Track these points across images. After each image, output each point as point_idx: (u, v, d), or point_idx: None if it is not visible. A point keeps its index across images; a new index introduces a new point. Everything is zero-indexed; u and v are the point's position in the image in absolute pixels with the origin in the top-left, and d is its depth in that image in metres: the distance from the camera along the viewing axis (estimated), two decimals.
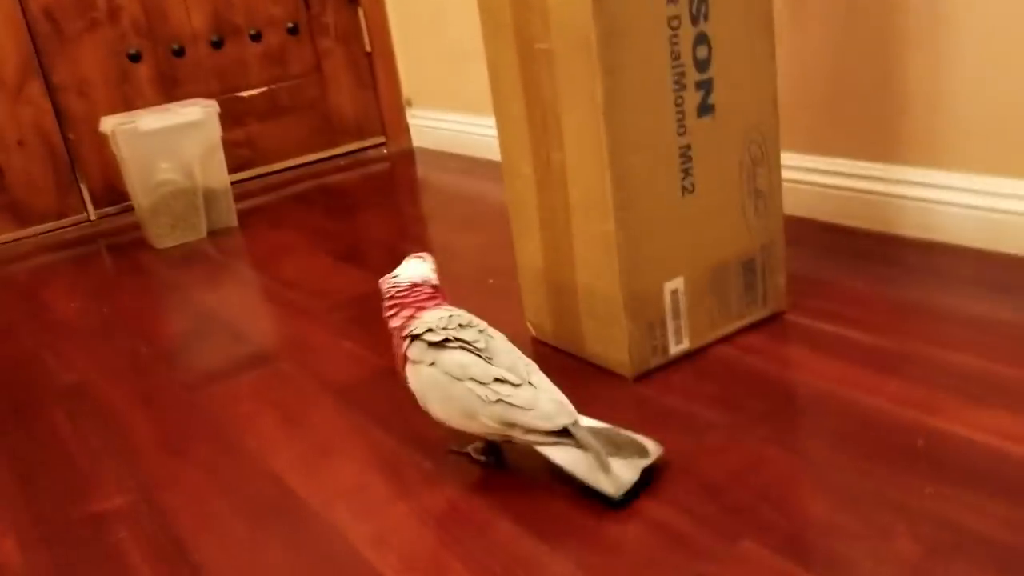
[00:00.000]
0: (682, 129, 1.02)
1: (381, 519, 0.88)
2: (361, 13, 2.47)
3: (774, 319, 1.18)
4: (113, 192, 2.19)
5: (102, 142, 2.01)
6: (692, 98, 1.02)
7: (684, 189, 1.05)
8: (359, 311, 1.43)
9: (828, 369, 1.04)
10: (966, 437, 0.87)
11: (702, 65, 1.02)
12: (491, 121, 2.22)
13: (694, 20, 0.99)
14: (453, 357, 0.90)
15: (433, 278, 0.99)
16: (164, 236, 1.93)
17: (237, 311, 1.52)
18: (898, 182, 1.38)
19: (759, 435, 0.93)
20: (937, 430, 0.89)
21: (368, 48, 2.51)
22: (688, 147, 1.04)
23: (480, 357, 0.90)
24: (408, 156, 2.53)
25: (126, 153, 1.87)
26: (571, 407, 0.89)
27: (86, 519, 0.96)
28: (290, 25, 2.38)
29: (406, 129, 2.60)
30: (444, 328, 0.92)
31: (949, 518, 0.76)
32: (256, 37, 2.33)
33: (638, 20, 0.96)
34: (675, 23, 0.98)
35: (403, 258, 1.03)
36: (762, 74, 1.08)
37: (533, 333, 1.24)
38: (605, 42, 0.94)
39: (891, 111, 1.37)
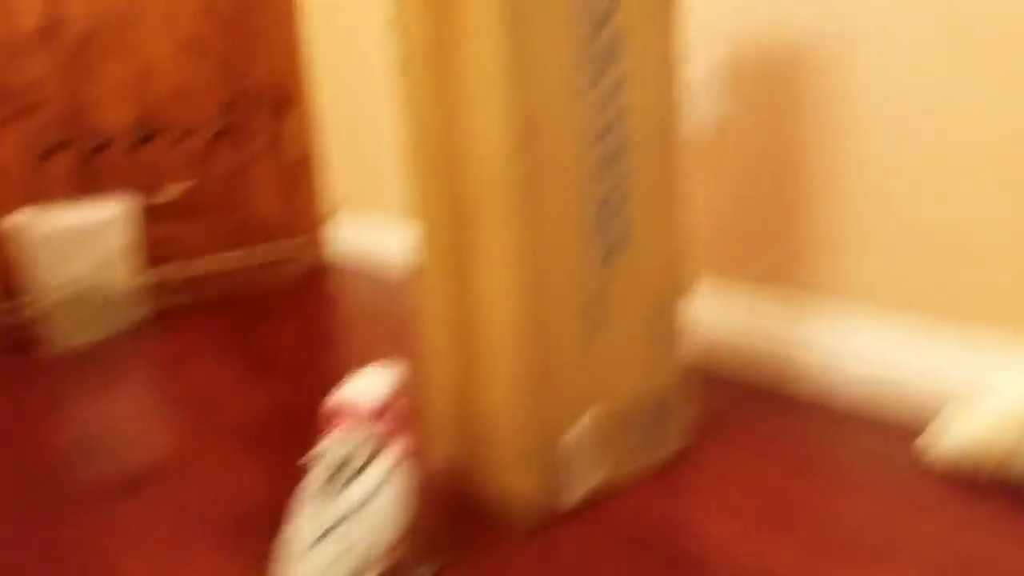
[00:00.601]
0: (593, 274, 1.03)
1: None
2: (291, 120, 2.48)
3: (676, 463, 1.17)
4: (13, 286, 2.12)
5: (7, 236, 1.95)
6: (604, 244, 1.03)
7: (593, 330, 1.05)
8: (258, 435, 1.38)
9: (722, 527, 1.03)
10: None
11: (616, 210, 1.03)
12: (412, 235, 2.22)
13: (609, 173, 1.01)
14: None
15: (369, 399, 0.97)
16: (66, 336, 1.86)
17: (129, 424, 1.45)
18: (798, 326, 1.41)
19: None
20: None
21: (295, 154, 2.50)
22: (599, 291, 1.04)
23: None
24: (329, 262, 2.51)
25: (34, 251, 1.81)
26: None
27: None
28: (217, 129, 2.37)
29: (330, 237, 2.59)
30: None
31: None
32: (180, 138, 2.31)
33: (555, 170, 0.97)
34: (591, 171, 1.00)
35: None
36: (672, 222, 1.10)
37: (437, 464, 1.21)
38: (522, 192, 0.95)
39: (796, 249, 1.40)
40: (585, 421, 1.07)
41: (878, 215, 1.30)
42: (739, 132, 1.44)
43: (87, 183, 2.19)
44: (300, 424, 1.40)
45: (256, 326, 1.95)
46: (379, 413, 0.96)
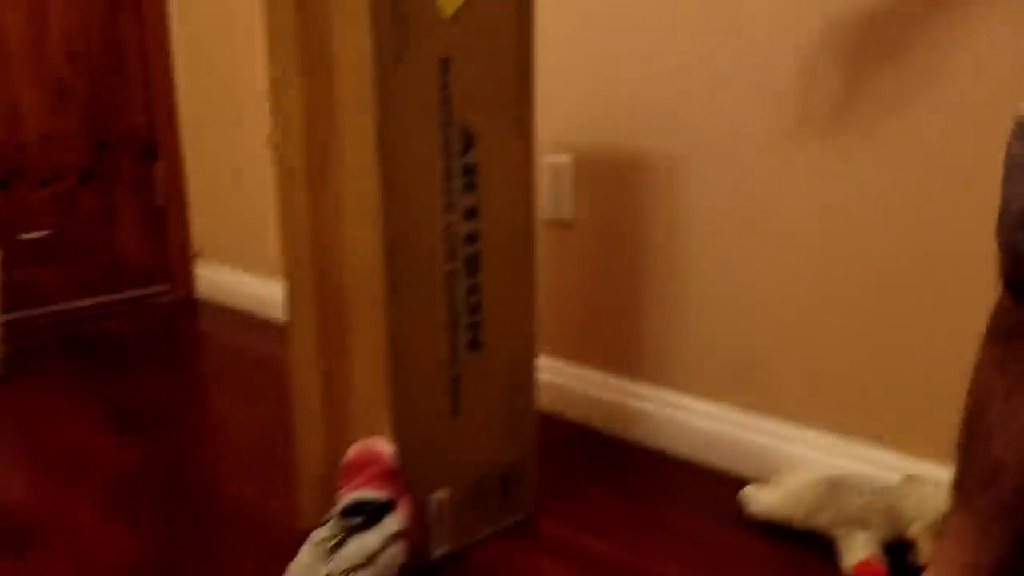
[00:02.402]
0: (454, 361, 1.17)
1: None
2: (158, 167, 2.52)
3: (525, 522, 1.33)
4: None
5: None
6: (464, 336, 1.18)
7: (453, 411, 1.19)
8: (131, 490, 1.44)
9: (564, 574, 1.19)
10: None
11: (473, 309, 1.18)
12: (278, 284, 2.30)
13: (469, 274, 1.16)
14: None
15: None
16: None
17: None
18: (636, 396, 1.60)
19: None
20: None
21: (161, 200, 2.54)
22: (458, 377, 1.19)
23: None
24: (192, 307, 2.55)
25: None
26: None
27: None
28: (83, 173, 2.38)
29: (193, 280, 2.63)
30: None
31: None
32: (46, 182, 2.32)
33: (421, 272, 1.11)
34: (452, 276, 1.14)
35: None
36: (523, 316, 1.26)
37: (304, 527, 1.31)
38: (391, 288, 1.09)
39: (632, 335, 1.59)
40: (445, 491, 1.21)
41: (702, 317, 1.49)
42: (584, 232, 1.62)
43: None
44: (168, 476, 1.47)
45: (120, 372, 1.99)
46: (393, 471, 1.06)
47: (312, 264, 1.18)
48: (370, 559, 1.01)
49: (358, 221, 1.10)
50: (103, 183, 2.43)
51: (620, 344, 1.62)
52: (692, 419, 1.52)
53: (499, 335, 1.23)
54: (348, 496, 1.06)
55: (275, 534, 1.27)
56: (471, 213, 1.16)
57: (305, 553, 1.02)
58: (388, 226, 1.07)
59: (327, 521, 1.05)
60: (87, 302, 2.46)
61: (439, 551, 1.22)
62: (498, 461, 1.27)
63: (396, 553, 1.04)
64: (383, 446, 1.09)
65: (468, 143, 1.14)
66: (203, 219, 2.60)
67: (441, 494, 1.21)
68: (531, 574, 1.20)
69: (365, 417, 1.16)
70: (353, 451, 1.09)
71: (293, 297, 1.23)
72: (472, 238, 1.16)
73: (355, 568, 1.00)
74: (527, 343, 1.28)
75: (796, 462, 1.39)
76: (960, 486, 0.91)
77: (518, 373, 1.27)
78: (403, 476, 1.10)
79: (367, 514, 1.03)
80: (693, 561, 1.22)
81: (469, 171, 1.14)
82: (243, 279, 2.49)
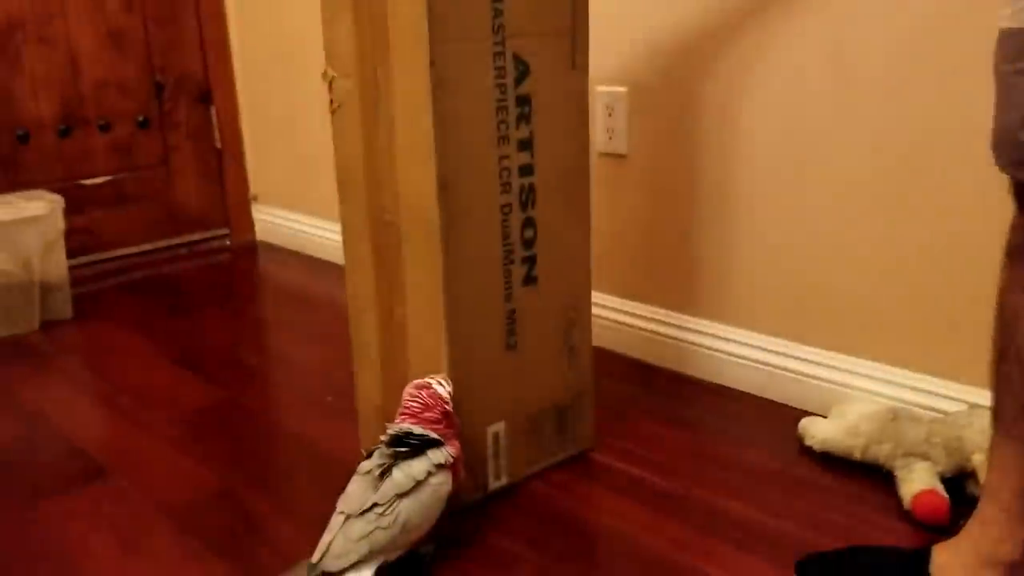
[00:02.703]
0: (509, 296, 1.18)
1: None
2: (214, 111, 2.54)
3: (582, 456, 1.34)
4: None
5: None
6: (519, 271, 1.18)
7: (508, 346, 1.20)
8: (196, 424, 1.49)
9: (621, 509, 1.20)
10: None
11: (528, 244, 1.18)
12: (334, 226, 2.33)
13: (523, 207, 1.16)
14: None
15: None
16: None
17: (70, 417, 1.54)
18: (691, 331, 1.59)
19: (562, 572, 1.07)
20: (706, 575, 1.06)
21: (218, 144, 2.57)
22: (514, 311, 1.19)
23: None
24: (251, 250, 2.59)
25: None
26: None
27: None
28: (140, 119, 2.42)
29: (251, 224, 2.67)
30: None
31: None
32: (105, 128, 2.36)
33: (475, 207, 1.11)
34: (507, 209, 1.14)
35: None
36: (579, 251, 1.25)
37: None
38: (446, 225, 1.09)
39: (688, 269, 1.58)
40: (501, 425, 1.22)
41: (758, 251, 1.47)
42: (638, 166, 1.60)
43: (11, 174, 2.23)
44: (232, 413, 1.51)
45: (182, 315, 2.04)
46: (446, 414, 1.08)
47: (367, 201, 1.19)
48: (416, 486, 1.02)
49: (411, 156, 1.10)
50: (160, 128, 2.46)
51: (675, 279, 1.61)
52: (748, 353, 1.51)
53: (554, 269, 1.23)
54: (394, 427, 1.07)
55: (336, 468, 1.30)
56: (525, 145, 1.15)
57: (354, 483, 1.05)
58: (441, 160, 1.07)
59: (373, 452, 1.07)
60: (147, 247, 2.51)
61: (496, 484, 1.24)
62: (554, 395, 1.28)
63: (443, 482, 1.05)
64: (439, 386, 1.10)
65: (522, 73, 1.12)
66: (259, 163, 2.63)
67: (497, 427, 1.22)
68: (588, 506, 1.21)
69: (422, 353, 1.18)
70: (409, 394, 1.10)
71: (349, 235, 1.24)
72: (526, 170, 1.16)
73: (401, 495, 1.01)
74: (582, 277, 1.27)
75: (854, 394, 1.38)
76: (998, 414, 0.89)
77: (574, 307, 1.27)
78: (456, 419, 1.11)
79: (412, 446, 1.05)
80: (751, 493, 1.22)
81: (523, 102, 1.13)
82: (300, 222, 2.51)
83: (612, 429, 1.41)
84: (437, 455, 1.05)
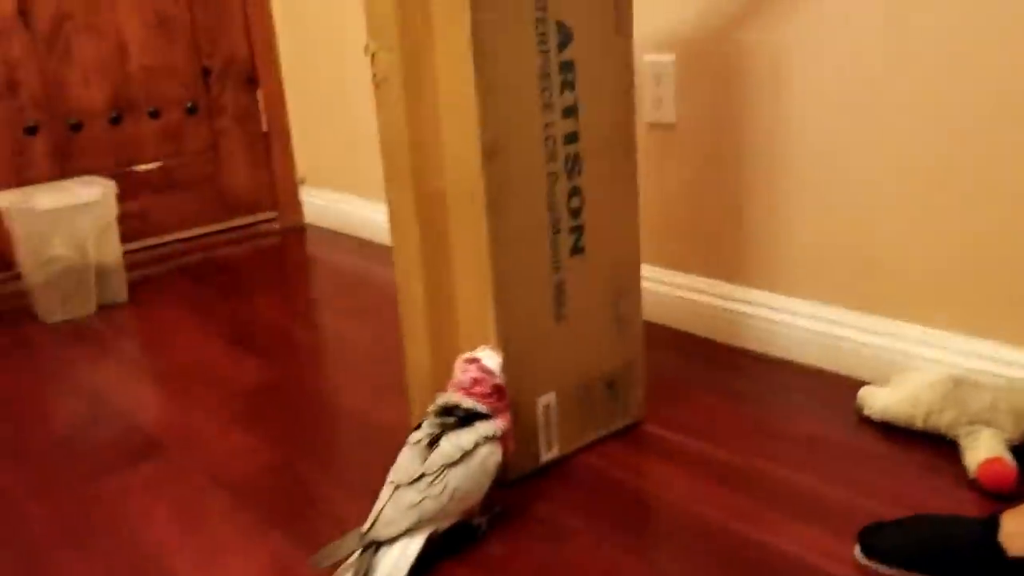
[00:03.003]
0: (557, 266, 1.16)
1: None
2: (260, 95, 2.56)
3: (634, 428, 1.32)
4: (0, 261, 2.20)
5: None
6: (566, 240, 1.16)
7: (557, 317, 1.19)
8: (250, 401, 1.50)
9: (675, 480, 1.18)
10: (789, 552, 1.02)
11: (575, 213, 1.16)
12: (381, 206, 2.33)
13: (569, 176, 1.14)
14: None
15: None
16: (54, 311, 1.96)
17: (128, 396, 1.56)
18: (744, 302, 1.56)
19: (615, 544, 1.06)
20: (764, 544, 1.04)
21: (265, 127, 2.59)
22: (562, 281, 1.18)
23: None
24: (300, 233, 2.61)
25: (20, 231, 1.90)
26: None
27: None
28: (189, 104, 2.44)
29: (299, 206, 2.69)
30: None
31: None
32: (154, 114, 2.39)
33: (521, 175, 1.10)
34: (553, 178, 1.13)
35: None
36: (627, 220, 1.23)
37: None
38: (492, 193, 1.08)
39: (740, 239, 1.55)
40: (551, 396, 1.21)
41: (811, 218, 1.44)
42: (686, 135, 1.57)
43: (65, 162, 2.27)
44: (285, 390, 1.52)
45: (234, 296, 2.06)
46: (497, 388, 1.08)
47: (412, 173, 1.18)
48: (464, 457, 1.02)
49: (455, 125, 1.09)
50: (208, 114, 2.49)
51: (726, 249, 1.58)
52: (803, 323, 1.48)
53: (602, 238, 1.21)
54: (443, 397, 1.07)
55: (388, 440, 1.30)
56: (570, 112, 1.13)
57: (404, 453, 1.05)
58: (485, 128, 1.06)
59: (422, 423, 1.06)
60: (198, 231, 2.54)
61: (547, 456, 1.23)
62: (604, 366, 1.27)
63: (491, 453, 1.04)
64: (489, 359, 1.09)
65: (565, 39, 1.11)
66: (305, 145, 2.64)
67: (547, 398, 1.21)
68: (641, 477, 1.20)
69: (470, 325, 1.17)
70: (459, 368, 1.09)
71: (395, 207, 1.24)
72: (571, 138, 1.14)
73: (450, 465, 1.01)
74: (631, 246, 1.25)
75: (915, 364, 1.34)
76: None
77: (623, 277, 1.25)
78: (507, 392, 1.10)
79: (460, 417, 1.04)
80: (809, 464, 1.20)
81: (567, 68, 1.12)
82: (348, 203, 2.52)
83: (664, 401, 1.39)
84: (486, 427, 1.04)
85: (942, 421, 1.19)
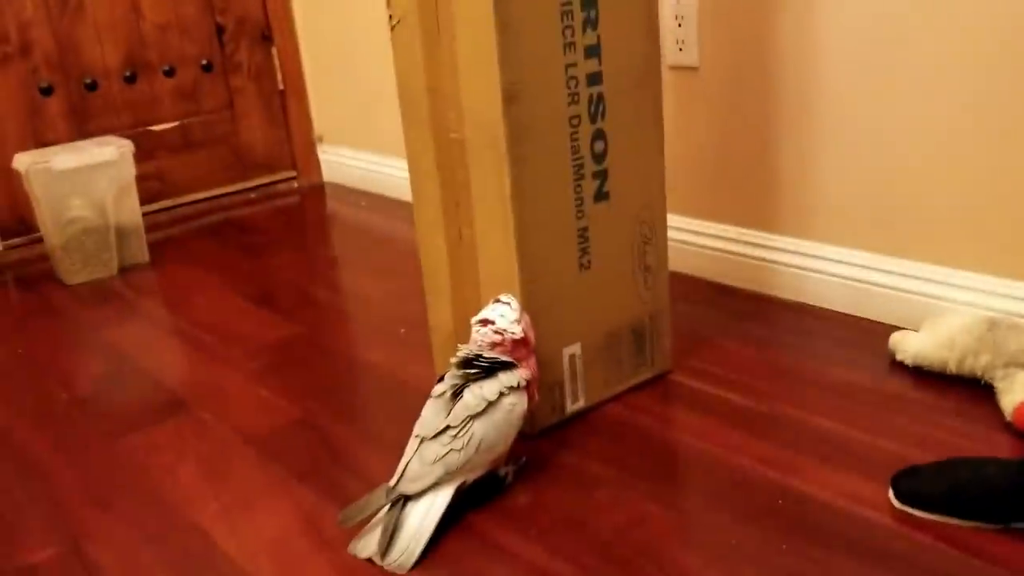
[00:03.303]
0: (580, 213, 1.14)
1: (302, 573, 0.96)
2: (275, 52, 2.53)
3: (660, 378, 1.30)
4: (21, 224, 2.19)
5: (11, 174, 2.02)
6: (589, 186, 1.14)
7: (582, 265, 1.17)
8: (273, 358, 1.49)
9: (704, 429, 1.16)
10: (820, 498, 1.00)
11: (599, 158, 1.13)
12: (401, 163, 2.31)
13: (592, 119, 1.11)
14: None
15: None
16: (75, 273, 1.96)
17: (152, 355, 1.56)
18: (772, 248, 1.53)
19: (642, 492, 1.04)
20: (796, 491, 1.02)
21: (281, 85, 2.56)
22: (586, 229, 1.15)
23: None
24: (318, 191, 2.59)
25: (39, 191, 1.89)
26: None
27: (15, 572, 1.01)
28: (204, 62, 2.41)
29: (317, 165, 2.67)
30: None
31: (800, 573, 0.89)
32: (169, 73, 2.36)
33: (543, 119, 1.07)
34: (575, 121, 1.10)
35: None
36: (651, 165, 1.20)
37: None
38: (513, 139, 1.05)
39: (767, 185, 1.52)
40: (576, 347, 1.19)
41: (841, 162, 1.40)
42: (711, 78, 1.53)
43: (82, 123, 2.25)
44: (308, 348, 1.51)
45: (255, 255, 2.05)
46: (511, 343, 1.05)
47: (431, 119, 1.15)
48: (488, 407, 1.01)
49: (474, 68, 1.06)
50: (224, 72, 2.46)
51: (753, 196, 1.55)
52: (833, 268, 1.45)
53: (627, 184, 1.18)
54: (465, 348, 1.05)
55: (412, 394, 1.30)
56: (592, 51, 1.10)
57: (428, 407, 1.03)
58: (506, 70, 1.03)
59: (445, 375, 1.05)
60: (216, 192, 2.52)
61: (573, 407, 1.22)
62: (630, 316, 1.25)
63: (516, 403, 1.03)
64: (501, 317, 1.05)
65: None
66: (322, 103, 2.61)
67: (573, 349, 1.19)
68: (669, 426, 1.19)
69: (492, 275, 1.15)
70: (475, 330, 1.06)
71: (413, 156, 1.21)
72: (595, 79, 1.11)
73: (474, 416, 1.00)
74: (657, 192, 1.23)
75: (949, 307, 1.31)
76: None
77: (648, 224, 1.23)
78: (531, 336, 1.08)
79: (483, 367, 1.03)
80: (840, 410, 1.18)
81: (588, 5, 1.08)
82: (366, 160, 2.50)
83: (691, 351, 1.37)
84: (509, 377, 1.03)
85: (977, 364, 1.17)
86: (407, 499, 0.99)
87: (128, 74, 2.30)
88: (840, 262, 1.44)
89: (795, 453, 1.09)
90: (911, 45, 1.28)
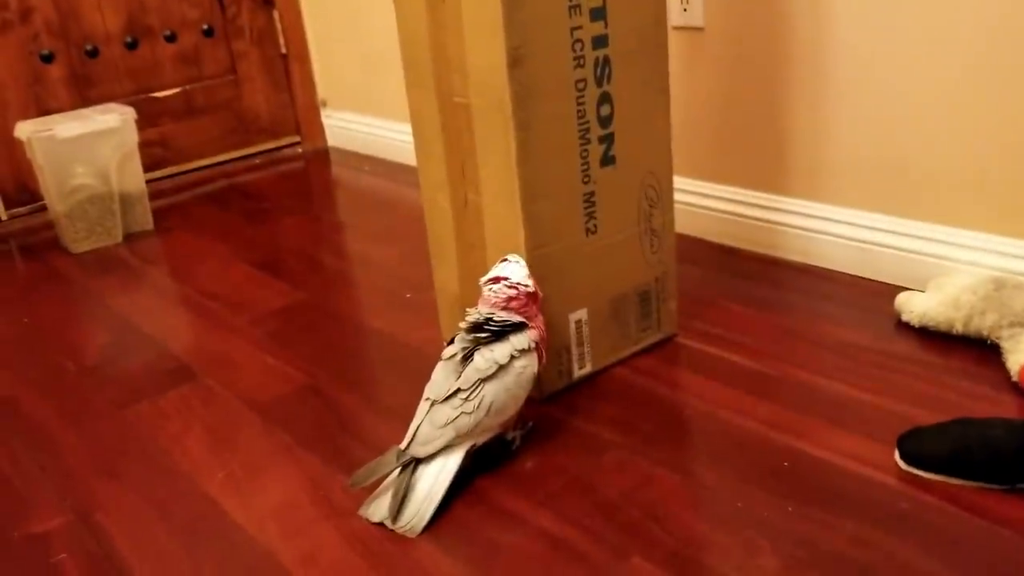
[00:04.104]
0: (587, 178, 1.13)
1: (310, 539, 0.97)
2: (276, 15, 2.50)
3: (667, 342, 1.30)
4: (24, 192, 2.19)
5: (13, 143, 2.01)
6: (596, 150, 1.13)
7: (588, 230, 1.16)
8: (279, 325, 1.50)
9: (710, 391, 1.16)
10: (826, 460, 1.01)
11: (605, 121, 1.12)
12: (405, 127, 2.29)
13: (598, 82, 1.10)
14: None
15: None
16: (80, 241, 1.96)
17: (158, 323, 1.56)
18: (780, 210, 1.52)
19: (650, 455, 1.05)
20: (802, 452, 1.02)
21: (283, 50, 2.54)
22: (592, 193, 1.14)
23: None
24: (323, 156, 2.58)
25: (42, 160, 1.88)
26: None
27: (25, 541, 1.02)
28: (205, 27, 2.39)
29: (321, 129, 2.65)
30: None
31: (806, 535, 0.89)
32: (171, 38, 2.35)
33: (548, 83, 1.06)
34: (581, 85, 1.09)
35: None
36: (658, 128, 1.19)
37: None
38: (518, 102, 1.04)
39: (775, 147, 1.50)
40: (584, 311, 1.19)
41: (848, 123, 1.39)
42: (716, 39, 1.51)
43: (83, 90, 2.24)
44: (315, 314, 1.52)
45: (260, 222, 2.04)
46: (526, 296, 1.05)
47: (435, 83, 1.14)
48: (499, 370, 1.01)
49: (479, 31, 1.04)
50: (225, 36, 2.44)
51: (759, 158, 1.54)
52: (839, 229, 1.44)
53: (634, 148, 1.17)
54: (474, 312, 1.05)
55: (418, 360, 1.30)
56: (598, 14, 1.08)
57: (438, 370, 1.04)
58: (510, 33, 1.01)
59: (454, 339, 1.05)
60: (220, 158, 2.52)
61: (581, 371, 1.22)
62: (636, 280, 1.24)
63: (527, 365, 1.03)
64: (513, 272, 1.06)
65: None
66: (325, 67, 2.59)
67: (579, 314, 1.19)
68: (676, 389, 1.19)
69: (498, 239, 1.14)
70: (487, 288, 1.06)
71: (418, 119, 1.21)
72: (600, 42, 1.09)
73: (484, 380, 1.00)
74: (663, 155, 1.22)
75: (956, 267, 1.31)
76: None
77: (655, 187, 1.22)
78: (538, 300, 1.08)
79: (492, 331, 1.03)
80: (846, 371, 1.17)
81: None
82: (370, 124, 2.48)
83: (698, 314, 1.37)
84: (519, 339, 1.03)
85: (984, 324, 1.16)
86: (418, 462, 0.99)
87: (129, 40, 2.28)
88: (846, 223, 1.44)
89: (801, 415, 1.09)
90: (921, 6, 1.26)
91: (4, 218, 2.20)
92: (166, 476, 1.11)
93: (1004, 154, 1.23)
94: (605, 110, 1.12)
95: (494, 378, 1.00)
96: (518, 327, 1.03)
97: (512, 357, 1.01)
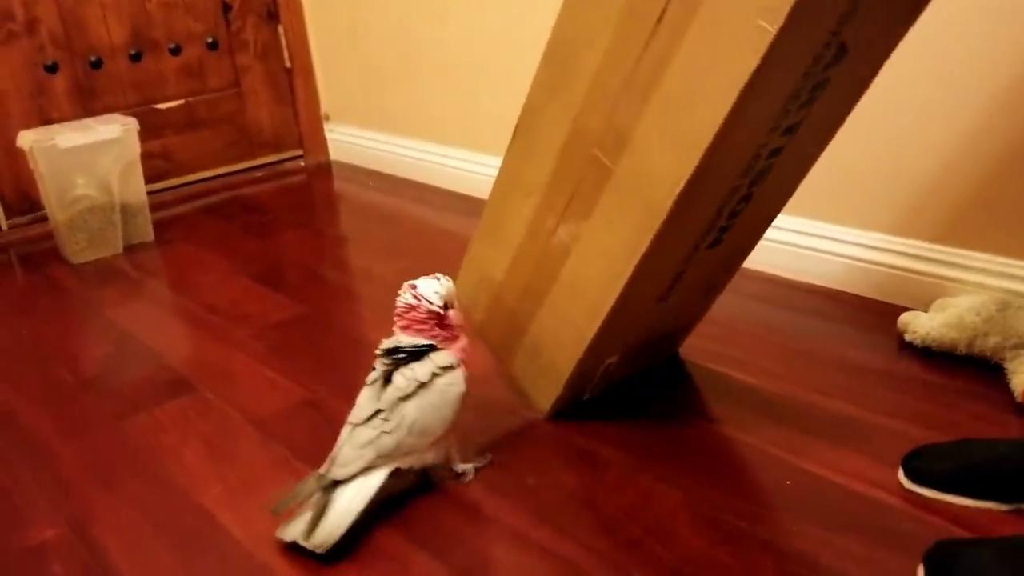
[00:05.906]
0: (688, 260, 1.07)
1: (308, 554, 0.95)
2: (281, 30, 2.51)
3: (673, 359, 1.30)
4: (25, 202, 2.19)
5: (15, 153, 2.01)
6: (710, 237, 1.05)
7: (660, 299, 1.11)
8: (279, 338, 1.49)
9: (713, 409, 1.16)
10: (829, 479, 1.00)
11: (733, 214, 1.04)
12: (407, 142, 2.29)
13: (751, 184, 1.01)
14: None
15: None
16: (80, 251, 1.95)
17: (157, 335, 1.56)
18: (784, 230, 1.52)
19: (652, 473, 1.04)
20: (805, 471, 1.01)
21: (287, 64, 2.55)
22: (683, 272, 1.08)
23: None
24: (325, 170, 2.58)
25: (43, 169, 1.88)
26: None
27: (20, 552, 1.01)
28: (209, 40, 2.40)
29: (324, 143, 2.65)
30: None
31: (808, 554, 0.88)
32: (175, 51, 2.35)
33: (708, 191, 0.95)
34: (735, 189, 0.99)
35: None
36: (773, 213, 1.15)
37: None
38: (676, 208, 0.93)
39: None
40: (615, 357, 1.17)
41: (850, 146, 1.38)
42: None
43: (87, 101, 2.24)
44: (315, 327, 1.51)
45: (261, 235, 2.04)
46: (431, 312, 1.02)
47: (576, 117, 1.02)
48: (419, 388, 0.99)
49: (668, 127, 0.91)
50: (230, 49, 2.44)
51: None
52: (841, 249, 1.44)
53: (742, 233, 1.11)
54: (384, 341, 1.03)
55: None
56: (790, 130, 0.96)
57: (361, 395, 1.02)
58: (710, 153, 0.87)
59: (375, 365, 1.03)
60: (222, 170, 2.52)
61: (589, 393, 1.21)
62: (676, 325, 1.23)
63: (452, 383, 1.01)
64: (427, 287, 1.02)
65: (838, 57, 0.90)
66: (329, 81, 2.60)
67: (611, 360, 1.17)
68: (678, 406, 1.18)
69: (578, 287, 1.07)
70: (401, 291, 1.03)
71: (534, 120, 1.07)
72: (775, 152, 0.97)
73: (404, 398, 0.98)
74: (760, 234, 1.18)
75: (958, 288, 1.30)
76: None
77: (730, 266, 1.19)
78: (456, 317, 1.05)
79: (408, 353, 1.01)
80: (849, 391, 1.17)
81: (820, 86, 0.92)
82: (373, 139, 2.49)
83: (703, 333, 1.36)
84: (441, 357, 1.01)
85: (987, 345, 1.16)
86: (337, 484, 0.97)
87: (133, 52, 2.29)
88: (849, 243, 1.43)
89: (806, 435, 1.08)
90: (930, 24, 1.26)
91: (4, 228, 2.20)
92: (163, 488, 1.10)
93: (1009, 175, 1.23)
94: (740, 207, 1.03)
95: (415, 396, 0.99)
96: (431, 348, 1.01)
97: (434, 375, 1.00)
